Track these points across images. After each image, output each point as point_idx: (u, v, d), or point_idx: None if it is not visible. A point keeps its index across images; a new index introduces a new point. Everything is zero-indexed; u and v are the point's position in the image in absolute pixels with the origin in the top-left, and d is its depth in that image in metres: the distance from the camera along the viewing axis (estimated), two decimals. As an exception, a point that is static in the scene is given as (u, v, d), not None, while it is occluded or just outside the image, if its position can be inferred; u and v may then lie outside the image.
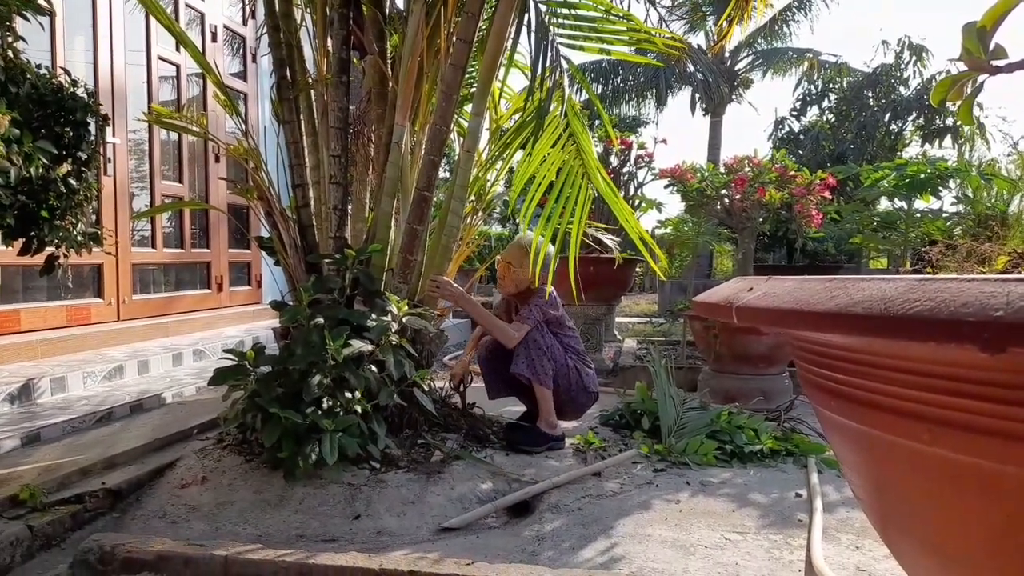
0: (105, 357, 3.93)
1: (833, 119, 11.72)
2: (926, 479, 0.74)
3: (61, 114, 2.16)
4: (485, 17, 3.10)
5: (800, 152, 10.97)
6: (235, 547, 1.92)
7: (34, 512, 2.10)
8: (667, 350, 5.39)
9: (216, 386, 2.49)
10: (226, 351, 2.53)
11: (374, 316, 2.62)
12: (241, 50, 6.36)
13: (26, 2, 2.14)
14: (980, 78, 0.74)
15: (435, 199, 3.12)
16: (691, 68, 15.84)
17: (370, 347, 2.50)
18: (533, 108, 2.87)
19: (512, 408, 3.59)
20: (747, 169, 5.13)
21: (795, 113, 12.29)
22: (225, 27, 6.01)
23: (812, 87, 12.39)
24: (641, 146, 6.02)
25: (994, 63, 0.73)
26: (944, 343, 0.57)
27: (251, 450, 2.56)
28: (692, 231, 5.52)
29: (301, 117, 3.18)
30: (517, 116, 3.64)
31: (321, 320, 2.49)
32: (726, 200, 5.32)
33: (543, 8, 2.79)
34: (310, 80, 3.22)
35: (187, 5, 5.49)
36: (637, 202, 5.88)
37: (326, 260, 2.90)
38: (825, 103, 11.95)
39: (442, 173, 3.30)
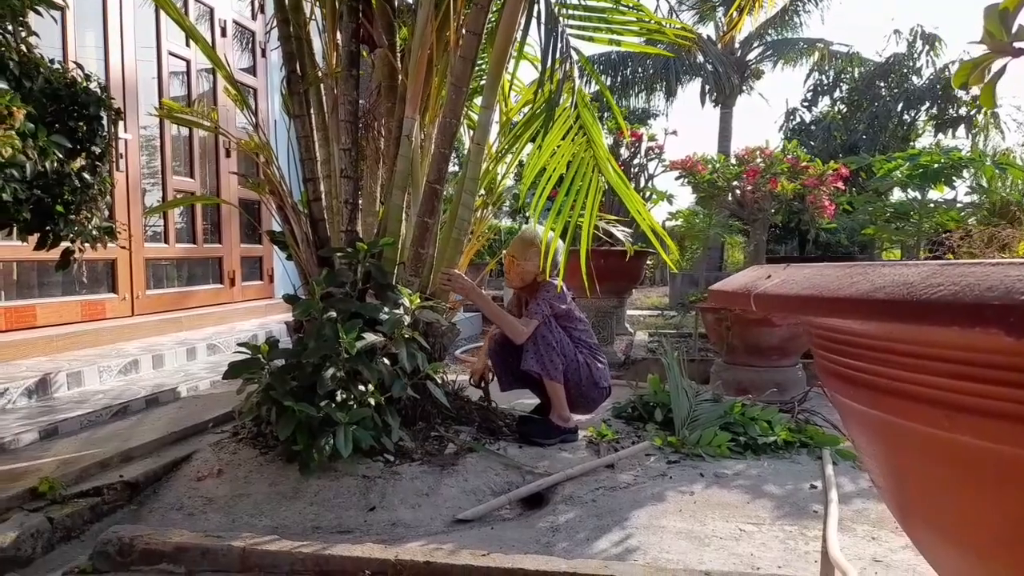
0: (120, 351, 3.96)
1: (845, 109, 11.61)
2: (946, 466, 0.74)
3: (75, 108, 2.16)
4: (494, 9, 3.09)
5: (812, 143, 10.88)
6: (252, 539, 1.93)
7: (54, 504, 2.12)
8: (679, 342, 5.38)
9: (230, 379, 2.50)
10: (240, 345, 2.54)
11: (386, 309, 2.62)
12: (250, 45, 6.37)
13: (39, -3, 2.16)
14: (1002, 61, 0.73)
15: (445, 193, 3.12)
16: (701, 59, 15.75)
17: (383, 340, 2.51)
18: (543, 100, 2.87)
19: (525, 400, 3.59)
20: (759, 160, 5.09)
21: (806, 104, 12.19)
22: (235, 21, 6.02)
23: (823, 77, 12.27)
24: (651, 138, 5.99)
25: (1017, 45, 0.72)
26: (968, 328, 0.56)
27: (266, 443, 2.58)
28: (703, 223, 5.50)
29: (311, 111, 3.18)
30: (527, 109, 3.63)
31: (334, 313, 2.50)
32: (738, 191, 5.29)
33: (553, -1, 2.78)
34: (320, 74, 3.22)
35: (197, 0, 5.51)
36: (648, 194, 5.86)
37: (338, 254, 2.91)
38: (837, 93, 11.84)
39: (451, 167, 3.30)
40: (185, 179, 5.43)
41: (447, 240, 3.06)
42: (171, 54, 5.22)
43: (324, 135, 3.20)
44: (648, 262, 7.14)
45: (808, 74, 12.77)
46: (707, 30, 16.55)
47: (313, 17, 3.31)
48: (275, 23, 3.16)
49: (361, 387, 2.41)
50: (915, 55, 10.71)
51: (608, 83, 16.14)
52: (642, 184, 5.99)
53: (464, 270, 3.24)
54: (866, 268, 0.69)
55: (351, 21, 3.03)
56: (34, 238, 2.37)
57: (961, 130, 10.32)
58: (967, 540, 0.76)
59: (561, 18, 2.75)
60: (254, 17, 6.26)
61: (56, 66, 2.24)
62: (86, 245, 2.41)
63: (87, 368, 3.45)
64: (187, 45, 5.34)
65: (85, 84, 2.25)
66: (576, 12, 2.86)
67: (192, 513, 2.24)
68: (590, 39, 2.89)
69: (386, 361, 2.52)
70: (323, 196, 3.17)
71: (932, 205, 5.41)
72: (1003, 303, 0.54)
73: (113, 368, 3.60)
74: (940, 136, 10.43)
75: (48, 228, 2.22)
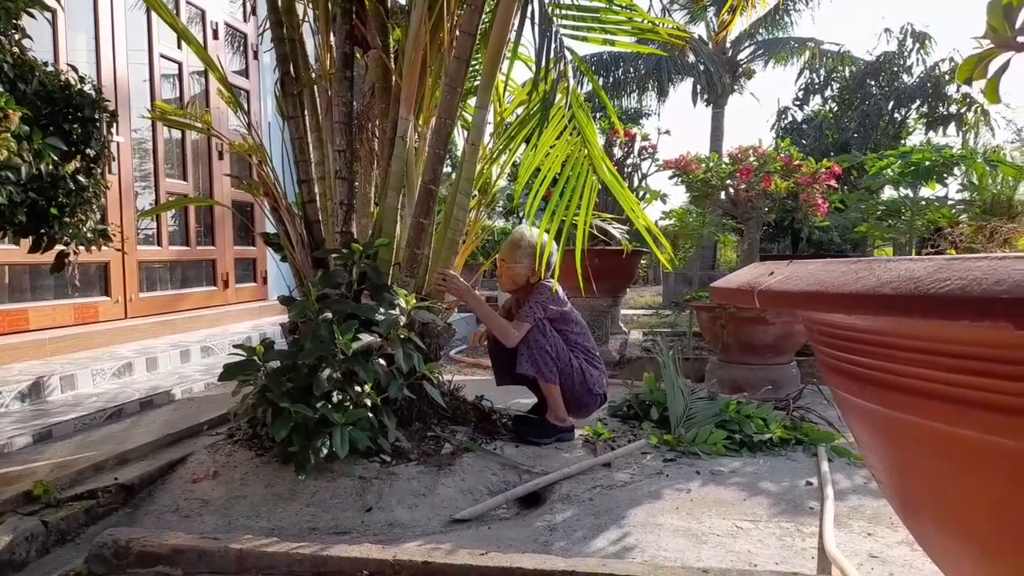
0: (113, 354, 3.94)
1: (836, 108, 11.66)
2: (950, 461, 0.74)
3: (69, 111, 2.15)
4: (488, 9, 3.09)
5: (803, 141, 10.92)
6: (249, 540, 1.93)
7: (48, 508, 2.11)
8: (673, 341, 5.39)
9: (225, 381, 2.49)
10: (235, 346, 2.53)
11: (382, 310, 2.62)
12: (242, 47, 6.36)
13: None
14: (1006, 56, 0.74)
15: (440, 193, 3.12)
16: (692, 59, 15.78)
17: (379, 341, 2.50)
18: (538, 100, 2.87)
19: (521, 400, 3.59)
20: (752, 159, 5.11)
21: (798, 103, 12.23)
22: (226, 24, 6.01)
23: (815, 76, 12.32)
24: (645, 137, 6.00)
25: (1021, 40, 0.72)
26: (977, 321, 0.56)
27: (262, 444, 2.57)
28: (697, 222, 5.51)
29: (305, 113, 3.17)
30: (521, 109, 3.63)
31: (329, 315, 2.49)
32: (731, 190, 5.31)
33: (546, -1, 2.78)
34: (314, 76, 3.22)
35: (188, 2, 5.49)
36: (642, 193, 5.87)
37: (333, 255, 2.90)
38: (828, 92, 11.89)
39: (445, 169, 3.29)
40: (178, 182, 5.42)
41: (442, 241, 3.06)
42: (163, 56, 5.20)
43: (318, 136, 3.19)
44: (642, 262, 7.15)
45: (799, 73, 12.83)
46: (698, 30, 16.61)
47: (306, 19, 3.30)
48: (268, 25, 3.15)
49: (357, 388, 2.41)
50: (905, 53, 10.76)
51: (601, 83, 16.14)
52: (636, 184, 6.00)
53: (459, 271, 3.24)
54: (871, 263, 0.70)
55: (344, 23, 3.02)
56: (28, 241, 2.36)
57: (952, 128, 10.38)
58: (972, 536, 0.77)
59: (555, 18, 2.75)
60: (246, 19, 6.25)
61: (50, 69, 2.23)
62: (80, 248, 2.40)
63: (80, 371, 3.43)
64: (179, 47, 5.32)
65: (80, 86, 2.24)
66: (570, 12, 2.87)
67: (188, 515, 2.23)
68: (584, 39, 2.90)
69: (382, 362, 2.52)
70: (318, 197, 3.17)
71: (924, 202, 5.43)
72: (1012, 296, 0.54)
73: (107, 371, 3.59)
74: (931, 134, 10.49)
75: (42, 231, 2.21)
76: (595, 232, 4.06)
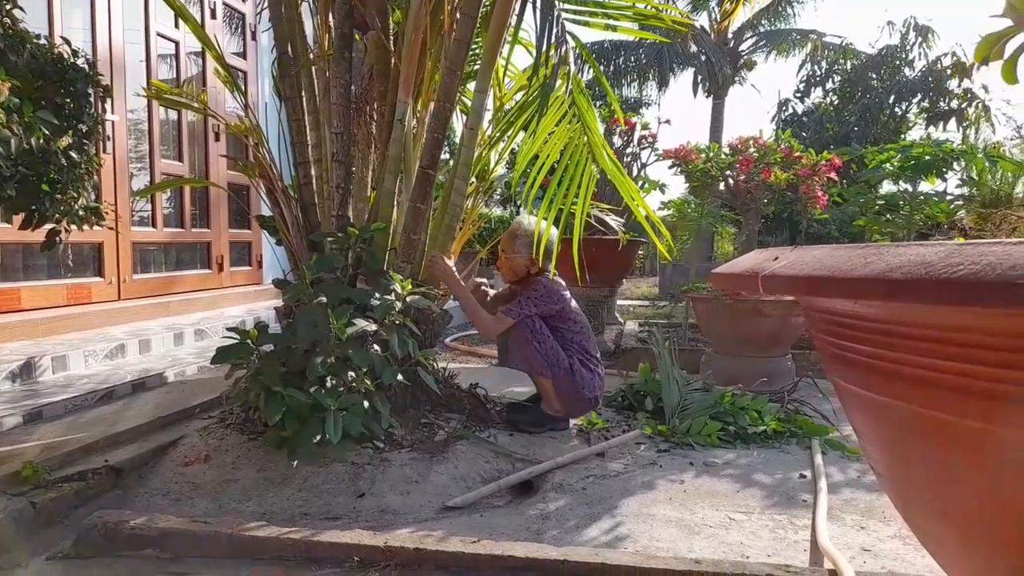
0: (106, 336, 3.91)
1: (837, 101, 11.61)
2: (954, 452, 0.73)
3: (61, 85, 2.11)
4: (489, -8, 3.05)
5: (804, 134, 10.88)
6: (239, 524, 1.91)
7: (37, 489, 2.09)
8: (669, 332, 5.38)
9: (219, 364, 2.47)
10: (229, 330, 2.51)
11: (377, 295, 2.60)
12: (240, 28, 6.29)
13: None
14: (1026, 35, 0.71)
15: (437, 179, 3.09)
16: (694, 49, 15.70)
17: (374, 326, 2.48)
18: (538, 85, 2.84)
19: (516, 388, 3.58)
20: (752, 150, 5.09)
21: (799, 95, 12.18)
22: (224, 3, 5.94)
23: (816, 68, 12.27)
24: (645, 126, 5.97)
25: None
26: (991, 307, 0.54)
27: (254, 429, 2.56)
28: (695, 212, 5.49)
29: (303, 94, 3.13)
30: (521, 95, 3.60)
31: (324, 299, 2.47)
32: (730, 181, 5.29)
33: (549, -18, 2.74)
34: (312, 56, 3.18)
35: (186, -19, 5.42)
36: (641, 183, 5.84)
37: (329, 239, 2.87)
38: (829, 85, 11.83)
39: (443, 154, 3.26)
40: (173, 162, 5.37)
41: (439, 226, 3.03)
42: (160, 35, 5.15)
43: (315, 118, 3.16)
44: (639, 252, 7.12)
45: (801, 65, 12.77)
46: (701, 19, 16.50)
47: (305, -2, 3.26)
48: (266, 4, 3.11)
49: (351, 373, 2.39)
50: (908, 47, 10.71)
51: (601, 71, 16.05)
52: (635, 173, 5.97)
53: (456, 256, 3.22)
54: (880, 248, 0.68)
55: (344, 3, 2.98)
56: (19, 219, 2.33)
57: (952, 123, 10.36)
58: (973, 528, 0.76)
59: (557, 1, 2.71)
60: (244, -1, 6.19)
61: (43, 41, 2.18)
62: (72, 226, 2.37)
63: (72, 352, 3.40)
64: (176, 26, 5.26)
65: (72, 60, 2.20)
66: (572, -4, 2.83)
67: (178, 498, 2.22)
68: (586, 24, 2.86)
69: (377, 347, 2.50)
70: (314, 180, 3.14)
71: (923, 197, 5.42)
72: (1029, 281, 0.52)
73: (99, 352, 3.56)
74: (931, 129, 10.45)
75: (33, 207, 2.18)
76: (592, 222, 4.04)
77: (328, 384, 2.33)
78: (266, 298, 5.97)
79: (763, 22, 16.37)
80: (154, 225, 5.14)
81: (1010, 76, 0.76)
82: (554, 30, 2.69)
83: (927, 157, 5.13)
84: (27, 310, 3.95)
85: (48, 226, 2.37)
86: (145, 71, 5.00)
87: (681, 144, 5.42)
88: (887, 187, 6.56)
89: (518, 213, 6.81)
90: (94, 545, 1.85)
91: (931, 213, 5.34)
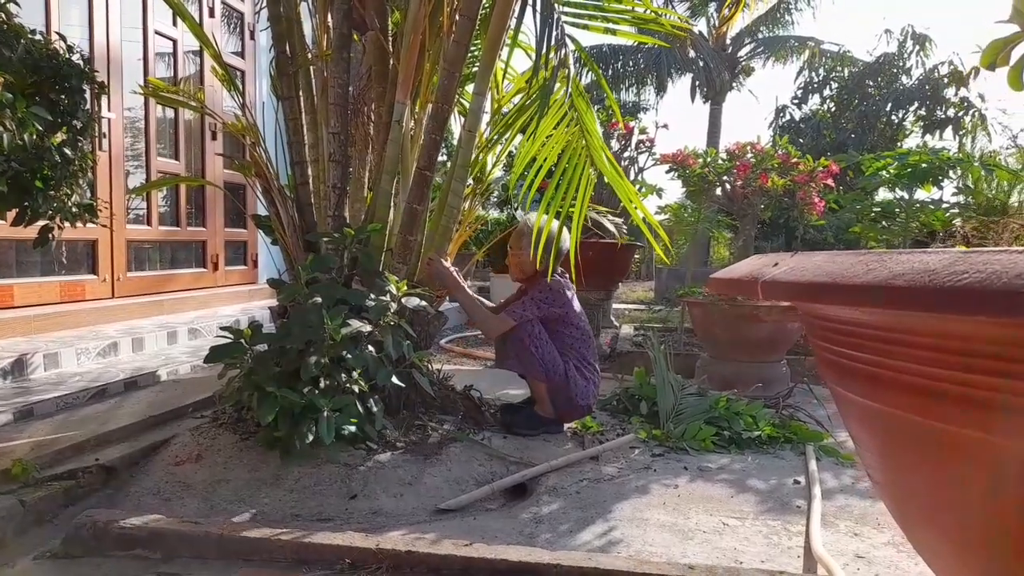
0: (99, 334, 3.89)
1: (834, 108, 11.64)
2: (952, 462, 0.72)
3: (56, 81, 2.10)
4: (489, -6, 3.05)
5: (801, 141, 10.89)
6: (230, 525, 1.90)
7: (26, 487, 2.08)
8: (664, 336, 5.37)
9: (212, 364, 2.45)
10: (222, 329, 2.49)
11: (373, 296, 2.59)
12: (239, 28, 6.28)
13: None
14: (1032, 42, 0.71)
15: (434, 181, 3.08)
16: (692, 54, 15.75)
17: (368, 327, 2.47)
18: (536, 88, 2.83)
19: (511, 391, 3.57)
20: (749, 155, 5.09)
21: (796, 101, 12.20)
22: (223, 2, 5.93)
23: (814, 75, 12.29)
24: (642, 131, 5.97)
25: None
26: (997, 316, 0.54)
27: (247, 429, 2.54)
28: (692, 217, 5.48)
29: (300, 94, 3.12)
30: (519, 97, 3.59)
31: (319, 299, 2.46)
32: (727, 186, 5.29)
33: (548, -15, 2.74)
34: (310, 56, 3.17)
35: (185, -21, 5.41)
36: (638, 187, 5.84)
37: (324, 239, 2.86)
38: (826, 92, 11.86)
39: (440, 156, 3.25)
40: (170, 161, 5.35)
41: (436, 227, 3.02)
42: (158, 33, 5.13)
43: (313, 118, 3.15)
44: (635, 256, 7.13)
45: (798, 72, 12.79)
46: (699, 25, 16.55)
47: (304, -3, 3.25)
48: (265, 3, 3.10)
49: (345, 374, 2.38)
50: (905, 55, 10.75)
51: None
52: (632, 177, 5.97)
53: (453, 258, 3.21)
54: (882, 255, 0.67)
55: (343, 3, 2.97)
56: (11, 215, 2.31)
57: (948, 132, 10.39)
58: (970, 538, 0.75)
59: (556, 4, 2.71)
60: (243, -2, 6.17)
61: (38, 37, 2.17)
62: (65, 223, 2.35)
63: (65, 350, 3.38)
64: (174, 24, 5.25)
65: (67, 56, 2.18)
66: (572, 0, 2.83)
67: (169, 498, 2.20)
68: (585, 27, 2.86)
69: (371, 348, 2.49)
70: (311, 180, 3.13)
71: (919, 205, 5.43)
72: (1037, 291, 0.51)
73: (91, 350, 3.54)
74: (927, 137, 10.48)
75: (26, 204, 2.16)
76: (589, 225, 4.04)
77: (322, 385, 2.32)
78: (261, 298, 5.95)
79: (761, 29, 16.43)
80: (149, 223, 5.12)
81: (1016, 82, 0.75)
82: (553, 33, 2.68)
83: (923, 165, 5.14)
84: (20, 307, 3.93)
85: (41, 223, 2.36)
86: (143, 69, 4.98)
87: (679, 149, 5.42)
88: (883, 194, 6.57)
89: (515, 215, 6.79)
90: (83, 544, 1.84)
91: (927, 221, 5.35)
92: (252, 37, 6.31)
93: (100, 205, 2.58)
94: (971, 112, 10.40)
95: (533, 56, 2.78)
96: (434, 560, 1.75)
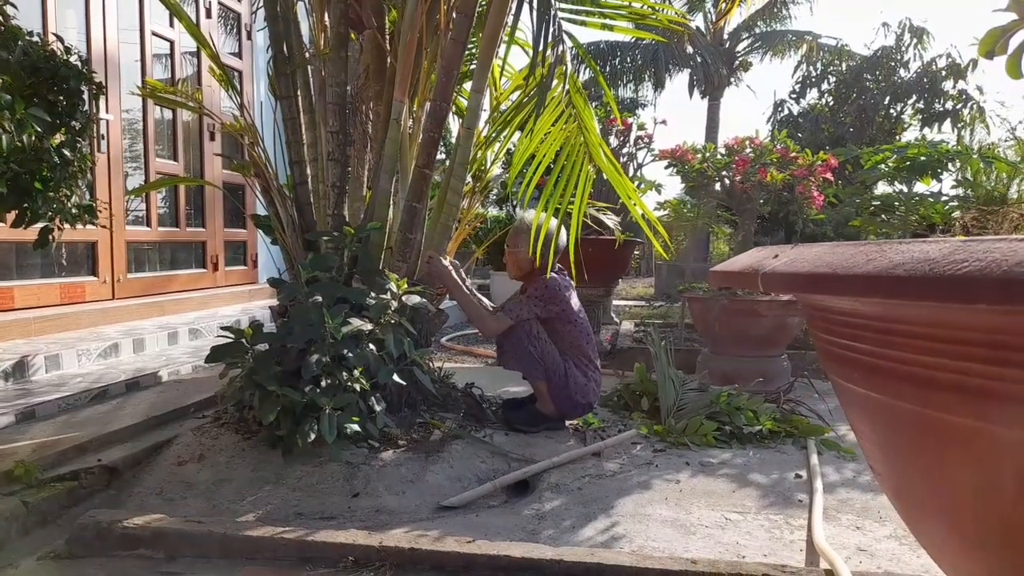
0: (100, 335, 3.90)
1: (832, 102, 11.61)
2: (953, 452, 0.72)
3: (54, 82, 2.09)
4: (486, -9, 3.04)
5: (800, 135, 10.87)
6: (233, 524, 1.90)
7: (29, 488, 2.08)
8: (665, 332, 5.37)
9: (213, 364, 2.46)
10: (223, 329, 2.49)
11: (373, 294, 2.59)
12: (236, 28, 6.28)
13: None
14: (1031, 29, 0.71)
15: (433, 178, 3.08)
16: (690, 50, 15.72)
17: (369, 325, 2.47)
18: (534, 85, 2.83)
19: (512, 388, 3.57)
20: (748, 150, 5.09)
21: (794, 96, 12.16)
22: (220, 3, 5.92)
23: (811, 70, 12.26)
24: (641, 127, 5.97)
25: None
26: (997, 304, 0.54)
27: (248, 428, 2.54)
28: (692, 213, 5.49)
29: (298, 93, 3.12)
30: (517, 95, 3.59)
31: (319, 298, 2.46)
32: (726, 181, 5.29)
33: (545, -18, 2.73)
34: (307, 55, 3.17)
35: (181, -21, 5.40)
36: (637, 183, 5.84)
37: (324, 238, 2.86)
38: (824, 86, 11.83)
39: (439, 155, 3.25)
40: (168, 162, 5.35)
41: (435, 225, 3.02)
42: (155, 34, 5.13)
43: (311, 118, 3.15)
44: (635, 252, 7.12)
45: (796, 66, 12.76)
46: (696, 21, 16.52)
47: (301, -4, 3.25)
48: (262, 3, 3.10)
49: (346, 373, 2.38)
50: (903, 48, 10.72)
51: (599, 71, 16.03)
52: (631, 173, 5.97)
53: (452, 256, 3.21)
54: (882, 245, 0.67)
55: (340, 1, 2.97)
56: (11, 217, 2.31)
57: (947, 125, 10.36)
58: (970, 527, 0.75)
59: (554, 1, 2.71)
60: (240, -2, 6.17)
61: (35, 38, 2.17)
62: (65, 224, 2.35)
63: (66, 351, 3.39)
64: (171, 25, 5.24)
65: (65, 57, 2.18)
66: (569, -5, 2.83)
67: (172, 498, 2.21)
68: (582, 23, 2.85)
69: (372, 347, 2.49)
70: (309, 179, 3.13)
71: (918, 198, 5.42)
72: (1037, 278, 0.51)
73: (92, 352, 3.54)
74: (926, 130, 10.46)
75: (26, 205, 2.16)
76: (589, 222, 4.04)
77: (323, 383, 2.32)
78: (261, 297, 5.95)
79: (759, 23, 16.39)
80: (149, 224, 5.12)
81: (1014, 71, 0.75)
82: (551, 29, 2.68)
83: (922, 158, 5.14)
84: (20, 309, 3.93)
85: (40, 224, 2.36)
86: (140, 70, 4.98)
87: (677, 144, 5.42)
88: (882, 188, 6.56)
89: (514, 213, 6.79)
90: (87, 545, 1.84)
91: (926, 214, 5.35)
92: (249, 37, 6.31)
93: (99, 206, 2.58)
94: (969, 105, 10.38)
95: (530, 53, 2.78)
96: (437, 557, 1.75)
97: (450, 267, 2.99)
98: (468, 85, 3.20)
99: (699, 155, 5.30)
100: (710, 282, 1.01)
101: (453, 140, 3.50)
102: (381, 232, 2.92)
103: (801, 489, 2.42)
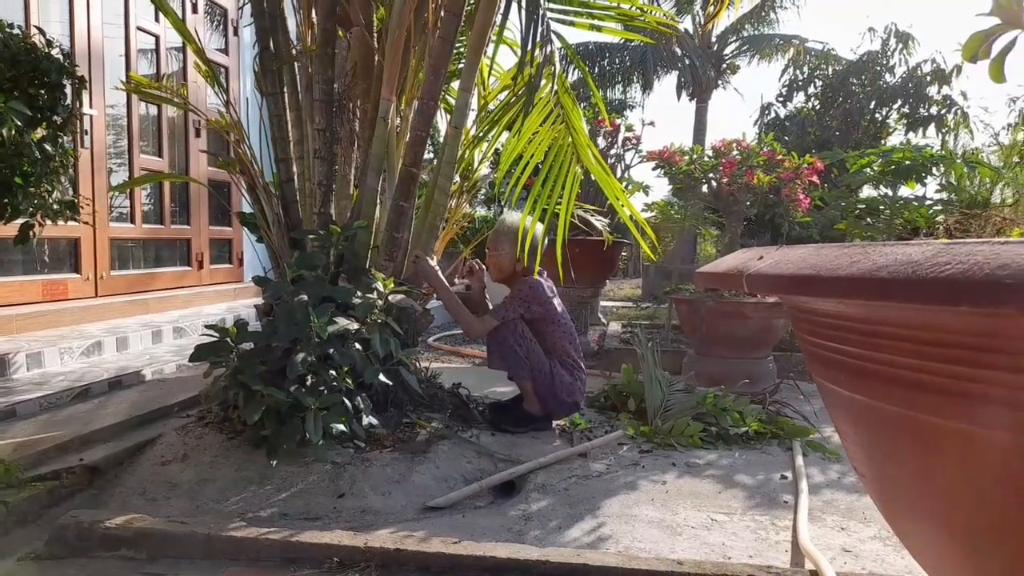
0: (82, 333, 3.85)
1: (819, 106, 11.70)
2: (937, 454, 0.72)
3: (35, 75, 2.06)
4: (474, -10, 3.03)
5: (786, 138, 10.93)
6: (217, 525, 1.88)
7: (9, 488, 2.05)
8: (652, 333, 5.39)
9: (197, 362, 2.43)
10: (208, 327, 2.47)
11: (359, 293, 2.57)
12: (222, 24, 6.23)
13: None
14: (1013, 33, 0.71)
15: (421, 177, 3.07)
16: (678, 52, 15.78)
17: (355, 325, 2.46)
18: (522, 85, 2.83)
19: (499, 388, 3.57)
20: (735, 152, 5.11)
21: (781, 99, 12.23)
22: (206, -2, 5.88)
23: (798, 73, 12.34)
24: (629, 128, 5.98)
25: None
26: (979, 306, 0.54)
27: (233, 428, 2.52)
28: (679, 214, 5.50)
29: (285, 90, 3.10)
30: (505, 94, 3.59)
31: (305, 297, 2.44)
32: (714, 183, 5.31)
33: (534, -19, 2.73)
34: (294, 52, 3.15)
35: (167, -25, 5.35)
36: (625, 184, 5.85)
37: (310, 236, 2.85)
38: (811, 90, 11.91)
39: (426, 154, 3.23)
40: (153, 158, 5.30)
41: (422, 225, 3.01)
42: (140, 29, 5.08)
43: (297, 115, 3.13)
44: (623, 253, 7.14)
45: (783, 70, 12.84)
46: (685, 23, 16.59)
47: (288, -7, 3.23)
48: (248, -2, 3.07)
49: (332, 372, 2.37)
50: (889, 53, 10.81)
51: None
52: (619, 174, 5.98)
53: (440, 255, 3.20)
54: (866, 247, 0.67)
55: (327, -2, 2.96)
56: (-8, 213, 2.28)
57: (932, 129, 10.46)
58: (954, 528, 0.75)
59: (543, 1, 2.70)
60: (227, -6, 6.12)
61: (15, 31, 2.13)
62: (47, 220, 2.32)
63: (48, 349, 3.34)
64: (156, 20, 5.20)
65: (47, 50, 2.15)
66: (557, -5, 2.83)
67: (155, 498, 2.18)
68: (571, 24, 2.86)
69: (358, 346, 2.48)
70: (296, 177, 3.11)
71: (902, 202, 5.47)
72: (1017, 281, 0.51)
73: (75, 350, 3.50)
74: (911, 134, 10.55)
75: (5, 201, 2.13)
76: (577, 223, 4.04)
77: (308, 383, 2.31)
78: (246, 296, 5.91)
79: (746, 27, 16.48)
80: (133, 221, 5.07)
81: (997, 75, 0.76)
82: (539, 29, 2.68)
83: (907, 162, 5.19)
84: (1, 306, 3.88)
85: (21, 220, 2.32)
86: (124, 65, 4.93)
87: (665, 146, 5.44)
88: (868, 191, 6.62)
89: (502, 213, 6.80)
90: (68, 545, 1.82)
91: (911, 217, 5.40)
92: (236, 33, 6.26)
93: (82, 202, 2.55)
94: (954, 110, 10.49)
95: (519, 53, 2.78)
96: (423, 558, 1.74)
97: (436, 267, 2.98)
98: (456, 84, 3.19)
99: (686, 157, 5.31)
100: (696, 283, 1.01)
101: (441, 139, 3.49)
102: (368, 231, 2.91)
103: (786, 490, 2.43)
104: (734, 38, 16.70)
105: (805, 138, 10.91)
